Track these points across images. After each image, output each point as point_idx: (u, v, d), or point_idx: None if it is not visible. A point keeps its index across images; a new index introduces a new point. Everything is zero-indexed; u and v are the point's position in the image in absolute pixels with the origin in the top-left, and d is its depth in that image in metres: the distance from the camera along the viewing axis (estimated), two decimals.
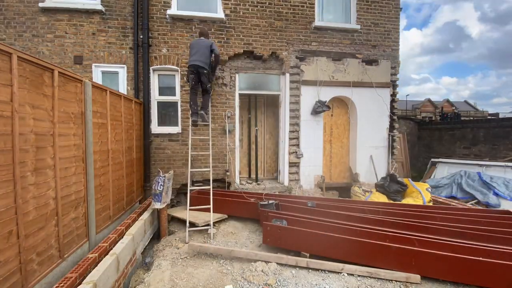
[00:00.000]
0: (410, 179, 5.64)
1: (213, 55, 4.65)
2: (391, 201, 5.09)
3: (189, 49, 4.69)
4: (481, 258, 2.64)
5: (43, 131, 2.15)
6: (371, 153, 6.15)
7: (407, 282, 2.72)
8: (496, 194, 5.68)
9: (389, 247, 2.89)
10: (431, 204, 4.99)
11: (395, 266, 2.83)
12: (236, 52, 5.50)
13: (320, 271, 2.94)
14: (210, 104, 5.10)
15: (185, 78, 5.18)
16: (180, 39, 5.29)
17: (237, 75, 5.62)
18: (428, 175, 7.97)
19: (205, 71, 4.52)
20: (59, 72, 2.35)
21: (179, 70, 5.32)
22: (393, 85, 6.24)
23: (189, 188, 4.40)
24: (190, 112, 4.84)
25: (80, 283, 2.10)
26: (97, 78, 5.09)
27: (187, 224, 3.94)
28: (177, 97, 5.42)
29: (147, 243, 3.80)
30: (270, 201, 4.13)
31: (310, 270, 2.96)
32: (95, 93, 3.05)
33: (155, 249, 3.73)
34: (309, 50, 5.84)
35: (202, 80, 4.60)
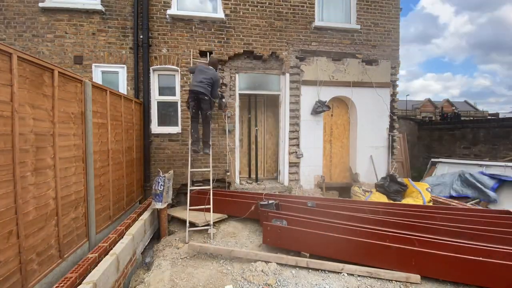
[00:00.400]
0: (410, 179, 5.64)
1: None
2: (391, 201, 5.09)
3: (193, 73, 4.51)
4: (481, 258, 2.64)
5: (43, 131, 2.15)
6: (371, 153, 6.15)
7: (407, 282, 2.72)
8: (503, 181, 5.72)
9: (389, 247, 2.88)
10: (431, 204, 4.99)
11: (395, 266, 2.83)
12: (236, 52, 5.50)
13: (320, 271, 2.94)
14: (211, 135, 4.85)
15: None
16: (180, 39, 5.29)
17: (237, 75, 5.62)
18: (428, 175, 7.97)
19: (206, 97, 4.30)
20: (59, 72, 2.34)
21: (179, 70, 5.32)
22: (393, 85, 6.24)
23: (189, 188, 4.40)
24: (191, 140, 4.65)
25: (80, 283, 2.09)
26: (97, 78, 5.09)
27: (187, 224, 3.93)
28: (177, 97, 5.42)
29: (147, 243, 3.80)
30: (270, 201, 4.13)
31: (310, 270, 2.96)
32: (95, 93, 3.05)
33: (155, 249, 3.73)
34: (309, 50, 5.84)
35: (202, 106, 4.37)
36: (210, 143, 4.76)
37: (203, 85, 4.27)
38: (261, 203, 4.11)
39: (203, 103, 4.35)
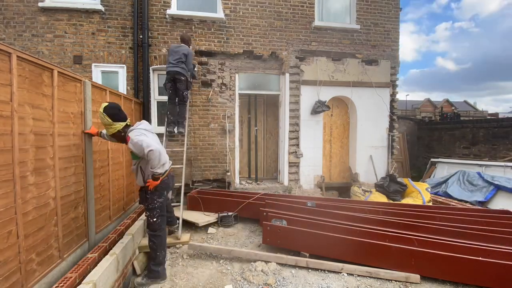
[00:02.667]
0: (409, 179, 5.64)
1: (189, 73, 4.48)
2: (391, 201, 5.09)
3: (168, 55, 4.45)
4: (481, 258, 2.65)
5: (43, 131, 2.14)
6: (370, 153, 6.16)
7: (406, 282, 2.72)
8: (499, 189, 5.64)
9: (389, 247, 2.89)
10: (430, 204, 5.00)
11: (395, 266, 2.83)
12: (236, 52, 5.50)
13: (319, 270, 2.94)
14: (187, 115, 4.80)
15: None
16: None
17: (236, 75, 5.62)
18: (427, 175, 7.98)
19: (182, 78, 4.33)
20: (58, 72, 2.34)
21: None
22: (392, 85, 6.24)
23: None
24: (166, 122, 4.56)
25: (79, 283, 2.09)
26: (97, 78, 5.09)
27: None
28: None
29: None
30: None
31: (309, 270, 2.96)
32: (94, 93, 3.04)
33: None
34: (309, 50, 5.84)
35: (179, 87, 4.36)
36: (185, 123, 4.69)
37: (178, 64, 4.31)
38: (261, 209, 4.10)
39: (179, 83, 4.37)
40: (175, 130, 4.59)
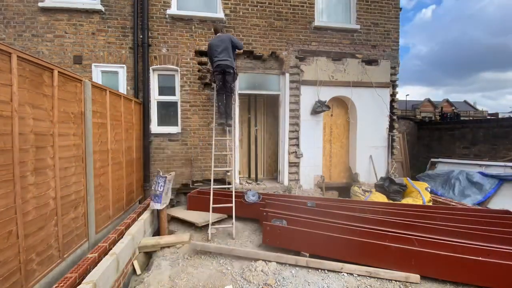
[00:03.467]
0: (409, 178, 5.64)
1: (235, 50, 4.72)
2: (391, 201, 5.09)
3: (210, 50, 4.58)
4: (481, 258, 2.65)
5: (43, 131, 2.14)
6: (370, 153, 6.16)
7: (406, 282, 2.72)
8: (505, 180, 5.76)
9: (389, 247, 2.89)
10: (430, 204, 5.00)
11: (394, 266, 2.83)
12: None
13: (319, 270, 2.94)
14: (233, 107, 5.08)
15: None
16: (180, 39, 5.29)
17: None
18: None
19: (231, 71, 4.52)
20: (58, 72, 2.34)
21: (179, 70, 5.32)
22: (392, 85, 6.24)
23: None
24: (217, 114, 4.83)
25: (80, 283, 2.09)
26: (97, 78, 5.08)
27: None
28: (177, 97, 5.42)
29: None
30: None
31: (309, 270, 2.96)
32: (94, 93, 3.05)
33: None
34: (309, 50, 5.84)
35: (227, 79, 4.58)
36: (233, 115, 4.95)
37: (226, 57, 4.47)
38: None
39: (228, 75, 4.55)
40: (225, 121, 4.80)
